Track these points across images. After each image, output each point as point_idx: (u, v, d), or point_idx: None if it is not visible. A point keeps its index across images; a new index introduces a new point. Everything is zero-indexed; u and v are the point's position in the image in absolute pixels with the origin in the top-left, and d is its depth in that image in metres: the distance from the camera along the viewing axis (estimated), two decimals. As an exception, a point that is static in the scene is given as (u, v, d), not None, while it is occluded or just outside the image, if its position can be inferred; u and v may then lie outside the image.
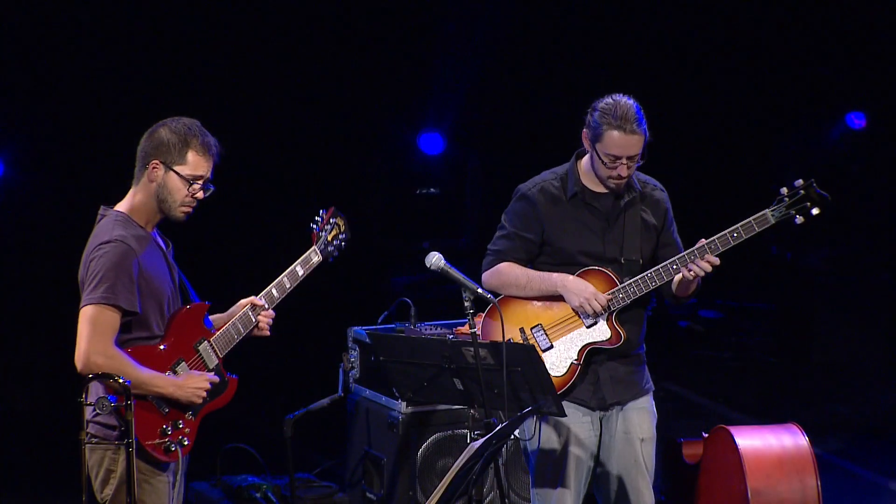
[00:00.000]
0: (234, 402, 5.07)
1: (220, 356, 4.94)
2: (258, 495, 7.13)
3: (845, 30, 12.41)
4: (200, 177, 4.84)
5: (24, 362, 10.42)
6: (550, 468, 5.37)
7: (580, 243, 5.36)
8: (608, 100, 5.28)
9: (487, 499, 6.58)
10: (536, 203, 5.40)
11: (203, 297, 4.98)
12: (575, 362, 5.32)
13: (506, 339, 5.23)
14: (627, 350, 5.37)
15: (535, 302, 5.38)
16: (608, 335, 5.31)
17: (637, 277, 5.27)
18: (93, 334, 4.63)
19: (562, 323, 5.34)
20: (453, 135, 12.08)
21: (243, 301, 5.04)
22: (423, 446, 6.73)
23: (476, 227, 12.13)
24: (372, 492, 6.95)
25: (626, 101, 5.26)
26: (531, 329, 5.36)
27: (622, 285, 5.28)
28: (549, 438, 5.35)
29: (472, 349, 4.88)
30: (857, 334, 11.99)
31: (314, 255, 5.13)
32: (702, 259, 5.20)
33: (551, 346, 5.34)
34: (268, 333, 5.04)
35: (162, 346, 4.81)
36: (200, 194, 4.86)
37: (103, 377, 4.63)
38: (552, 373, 5.30)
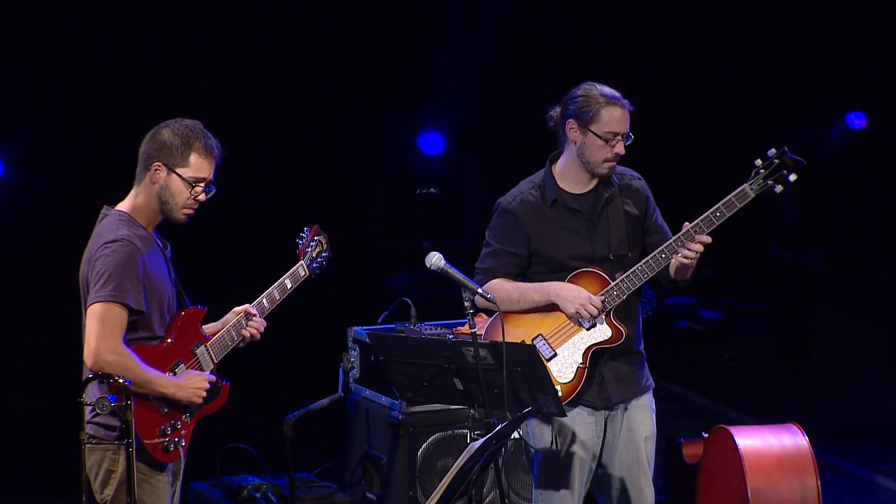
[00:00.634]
0: (234, 401, 5.08)
1: (216, 361, 4.96)
2: (258, 495, 7.13)
3: (845, 30, 12.42)
4: (203, 179, 4.86)
5: (24, 362, 10.43)
6: (554, 469, 5.37)
7: (568, 248, 5.34)
8: (585, 85, 5.30)
9: (487, 499, 6.58)
10: (518, 216, 5.38)
11: (196, 302, 5.00)
12: (581, 366, 5.31)
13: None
14: (628, 346, 5.36)
15: (532, 313, 5.36)
16: (609, 334, 5.31)
17: (628, 272, 5.25)
18: (102, 331, 4.65)
19: (562, 329, 5.33)
20: (453, 135, 12.08)
21: (237, 308, 5.05)
22: (423, 446, 6.73)
23: (476, 227, 12.14)
24: (372, 492, 6.96)
25: (603, 85, 5.29)
26: (532, 340, 5.34)
27: (614, 283, 5.27)
28: (553, 440, 5.35)
29: (472, 349, 4.88)
30: (857, 334, 12.00)
31: (301, 270, 5.19)
32: (691, 242, 5.18)
33: (555, 355, 5.33)
34: (258, 337, 5.06)
35: (163, 347, 4.83)
36: (202, 196, 4.88)
37: (105, 377, 4.64)
38: (560, 380, 5.29)
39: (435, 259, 4.95)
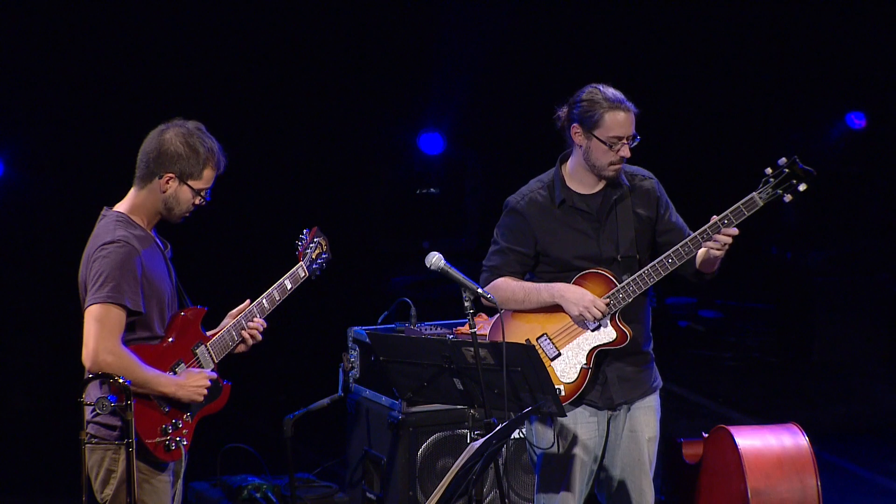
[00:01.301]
0: (234, 401, 5.08)
1: (216, 361, 4.96)
2: (258, 495, 7.13)
3: (845, 30, 12.42)
4: (208, 187, 4.89)
5: (24, 362, 10.43)
6: (556, 469, 5.37)
7: (575, 249, 5.33)
8: (589, 88, 5.28)
9: (487, 499, 6.58)
10: (526, 215, 5.38)
11: (196, 302, 5.00)
12: (585, 366, 5.31)
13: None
14: (634, 348, 5.35)
15: (536, 313, 5.36)
16: (614, 336, 5.30)
17: (635, 275, 5.24)
18: (100, 332, 4.65)
19: (567, 329, 5.33)
20: (453, 135, 12.08)
21: (232, 312, 5.06)
22: (423, 446, 6.73)
23: (476, 227, 12.14)
24: (372, 492, 6.96)
25: (608, 87, 5.27)
26: (537, 339, 5.34)
27: (620, 285, 5.26)
28: (555, 439, 5.35)
29: (472, 349, 4.88)
30: (857, 334, 12.00)
31: (301, 271, 5.19)
32: (707, 242, 5.16)
33: (559, 354, 5.33)
34: (259, 338, 5.05)
35: (163, 347, 4.83)
36: (204, 202, 4.90)
37: (105, 377, 4.65)
38: (563, 379, 5.29)
39: (435, 259, 4.95)
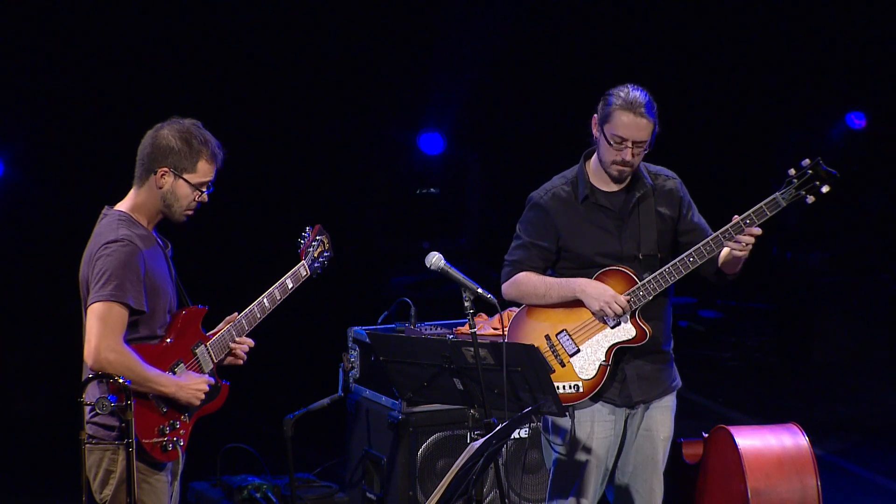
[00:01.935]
0: (234, 401, 5.08)
1: (215, 361, 4.96)
2: (258, 495, 7.13)
3: (845, 30, 12.42)
4: (206, 182, 4.87)
5: (24, 362, 10.43)
6: (570, 464, 5.38)
7: (596, 245, 5.35)
8: (621, 87, 5.29)
9: (487, 499, 6.58)
10: (549, 210, 5.40)
11: (197, 301, 5.00)
12: (604, 363, 5.32)
13: (532, 347, 5.27)
14: (654, 347, 5.36)
15: (557, 308, 5.37)
16: (633, 333, 5.31)
17: (656, 273, 5.25)
18: (103, 330, 4.65)
19: (586, 326, 5.34)
20: (453, 135, 12.08)
21: (228, 318, 5.06)
22: (423, 446, 6.72)
23: (476, 227, 12.14)
24: (372, 492, 6.95)
25: (639, 90, 5.27)
26: (556, 335, 5.36)
27: (641, 283, 5.27)
28: (572, 438, 5.36)
29: (472, 349, 4.88)
30: (857, 334, 12.00)
31: (303, 270, 5.19)
32: (730, 241, 5.17)
33: (578, 351, 5.34)
34: (241, 362, 5.05)
35: (163, 346, 4.83)
36: (205, 198, 4.90)
37: (106, 376, 4.65)
38: (581, 376, 5.31)
39: (435, 259, 4.95)
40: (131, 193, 4.89)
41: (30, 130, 10.29)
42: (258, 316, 5.04)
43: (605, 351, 5.32)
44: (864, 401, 10.66)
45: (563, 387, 5.31)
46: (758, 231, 5.18)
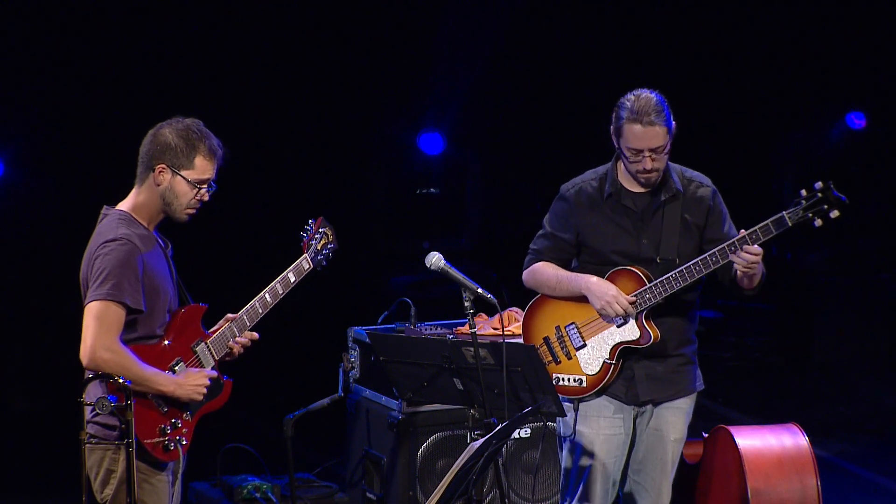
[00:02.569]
0: (234, 401, 5.07)
1: (216, 359, 4.95)
2: (258, 495, 7.13)
3: (845, 30, 12.42)
4: (206, 180, 4.86)
5: (24, 362, 10.43)
6: (579, 469, 5.39)
7: (612, 243, 5.37)
8: (630, 95, 5.28)
9: (487, 499, 6.58)
10: (572, 203, 5.43)
11: (197, 299, 5.00)
12: (608, 361, 5.34)
13: (543, 336, 5.31)
14: (665, 349, 5.37)
15: (569, 300, 5.41)
16: (637, 335, 5.32)
17: (663, 277, 5.26)
18: (99, 329, 4.65)
19: (594, 322, 5.37)
20: (453, 135, 12.08)
21: (228, 316, 5.05)
22: (423, 446, 6.72)
23: (476, 227, 12.13)
24: (372, 492, 6.95)
25: (647, 95, 5.24)
26: (566, 327, 5.40)
27: (649, 285, 5.27)
28: (578, 432, 5.37)
29: (472, 349, 4.88)
30: (857, 334, 11.99)
31: (305, 263, 5.16)
32: (742, 251, 5.16)
33: (584, 345, 5.38)
34: (236, 355, 5.04)
35: (162, 346, 4.83)
36: (206, 197, 4.89)
37: (105, 376, 4.64)
38: (586, 371, 5.34)
39: (435, 259, 4.95)
40: (132, 193, 4.89)
41: (30, 130, 10.29)
42: (260, 311, 5.03)
43: (609, 349, 5.34)
44: (864, 401, 10.66)
45: (568, 379, 5.35)
46: (756, 250, 5.17)
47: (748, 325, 13.31)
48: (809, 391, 10.99)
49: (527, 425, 6.69)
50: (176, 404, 4.81)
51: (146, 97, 10.22)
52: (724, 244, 5.21)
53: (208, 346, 4.93)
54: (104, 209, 4.89)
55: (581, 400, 5.37)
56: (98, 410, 4.60)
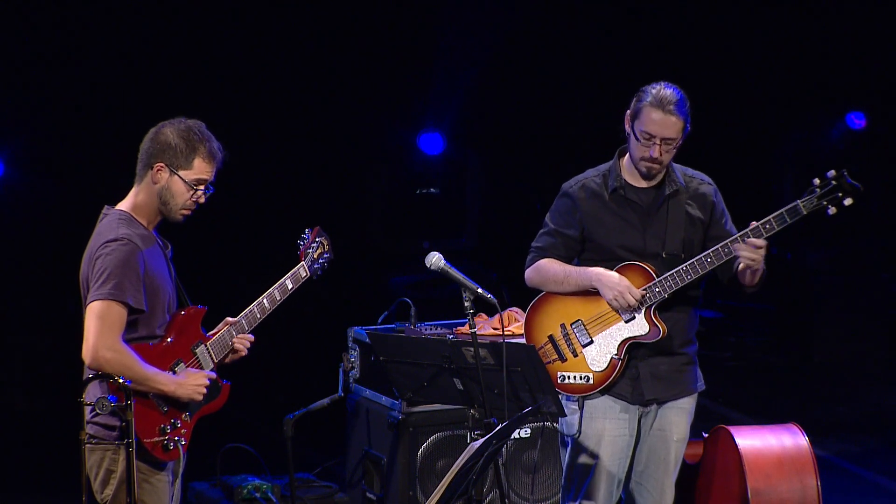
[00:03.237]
0: (234, 401, 5.08)
1: (216, 361, 4.96)
2: (258, 495, 7.13)
3: (845, 30, 12.41)
4: (204, 181, 4.87)
5: (24, 362, 10.43)
6: (584, 463, 5.39)
7: (619, 238, 5.38)
8: (656, 84, 5.34)
9: (487, 499, 6.58)
10: (576, 200, 5.43)
11: (197, 302, 5.00)
12: (615, 357, 5.34)
13: (548, 335, 5.31)
14: (670, 346, 5.39)
15: (575, 297, 5.41)
16: (646, 329, 5.32)
17: (672, 271, 5.27)
18: (101, 329, 4.66)
19: (601, 318, 5.36)
20: (453, 135, 12.07)
21: (227, 320, 5.06)
22: (423, 446, 6.73)
23: (476, 227, 12.13)
24: (372, 492, 6.95)
25: (671, 88, 5.33)
26: (571, 325, 5.40)
27: (658, 279, 5.29)
28: (583, 432, 5.37)
29: (472, 349, 4.88)
30: (857, 334, 11.99)
31: (302, 271, 5.19)
32: (746, 243, 5.18)
33: (591, 342, 5.37)
34: (244, 353, 5.06)
35: (162, 346, 4.83)
36: (203, 199, 4.89)
37: (105, 376, 4.65)
38: (592, 368, 5.34)
39: (435, 259, 4.95)
40: (132, 192, 4.90)
41: (30, 130, 10.28)
42: (258, 316, 5.05)
43: (617, 344, 5.35)
44: (864, 401, 10.66)
45: (575, 377, 5.34)
46: (761, 242, 5.19)
47: (748, 325, 13.31)
48: (809, 391, 10.98)
49: (527, 425, 6.69)
50: (176, 404, 4.81)
51: (147, 97, 10.22)
52: (736, 235, 5.23)
53: (208, 349, 4.94)
54: (105, 209, 4.90)
55: (586, 398, 5.37)
56: (98, 410, 4.60)
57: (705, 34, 12.53)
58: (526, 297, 5.62)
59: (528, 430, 6.71)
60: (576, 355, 5.37)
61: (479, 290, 4.98)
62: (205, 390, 4.84)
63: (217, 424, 5.35)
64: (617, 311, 5.34)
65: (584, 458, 5.39)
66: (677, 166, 5.46)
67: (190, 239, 5.58)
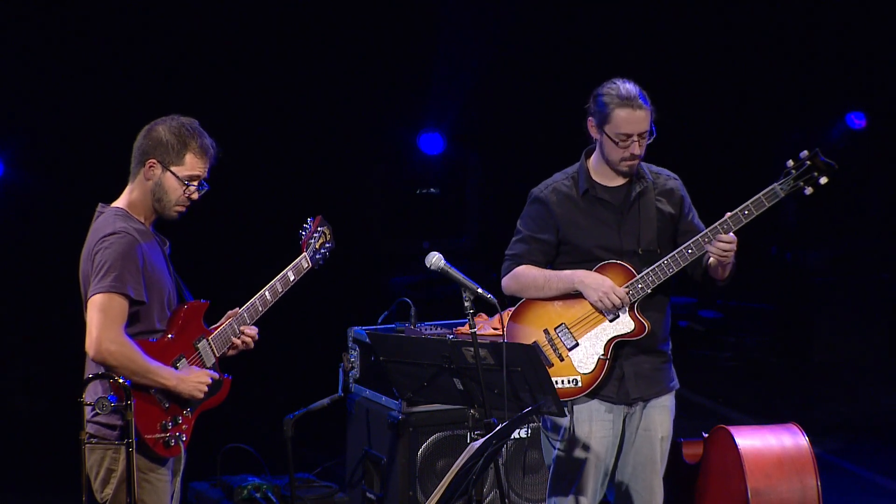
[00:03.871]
0: (234, 402, 5.08)
1: (217, 355, 4.96)
2: (258, 495, 7.13)
3: (845, 30, 12.42)
4: (196, 177, 4.88)
5: (24, 363, 10.43)
6: (570, 463, 5.39)
7: (596, 238, 5.37)
8: (608, 84, 5.33)
9: (487, 499, 6.59)
10: (549, 204, 5.42)
11: (197, 297, 5.00)
12: (602, 357, 5.34)
13: (531, 343, 5.27)
14: (652, 343, 5.38)
15: (556, 302, 5.39)
16: (632, 327, 5.33)
17: (654, 266, 5.28)
18: (104, 321, 4.66)
19: (585, 320, 5.35)
20: (453, 135, 12.08)
21: (230, 312, 5.06)
22: (423, 446, 6.73)
23: (476, 227, 12.13)
24: (372, 492, 6.95)
25: (626, 82, 5.32)
26: (555, 329, 5.37)
27: (640, 276, 5.29)
28: (570, 437, 5.37)
29: (472, 349, 4.88)
30: (857, 334, 11.99)
31: (304, 262, 5.19)
32: (716, 239, 5.21)
33: (577, 345, 5.36)
34: (251, 346, 5.06)
35: (164, 341, 4.84)
36: (195, 195, 4.89)
37: (105, 376, 4.65)
38: (580, 370, 5.33)
39: (435, 259, 4.95)
40: (126, 190, 4.92)
41: (30, 130, 10.29)
42: (260, 309, 5.04)
43: (603, 345, 5.34)
44: (864, 401, 10.66)
45: (562, 381, 5.33)
46: (731, 237, 5.20)
47: (748, 325, 13.31)
48: (809, 391, 10.99)
49: (527, 425, 6.69)
50: (177, 400, 4.82)
51: (146, 97, 10.22)
52: (716, 224, 5.23)
53: (209, 343, 4.94)
54: (99, 207, 4.90)
55: (574, 402, 5.37)
56: (98, 410, 4.60)
57: (705, 34, 12.53)
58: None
59: (528, 430, 6.71)
60: (562, 359, 5.36)
61: (479, 290, 4.98)
62: (206, 388, 4.84)
63: (217, 424, 5.35)
64: (601, 312, 5.33)
65: (571, 461, 5.38)
66: (643, 163, 5.45)
67: (192, 235, 5.58)
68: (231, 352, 5.04)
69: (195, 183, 4.88)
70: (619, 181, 5.40)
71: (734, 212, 5.23)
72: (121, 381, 4.60)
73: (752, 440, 5.91)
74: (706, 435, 6.10)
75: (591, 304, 5.32)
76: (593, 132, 5.36)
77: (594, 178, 5.42)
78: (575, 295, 5.35)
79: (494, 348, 4.90)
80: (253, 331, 5.04)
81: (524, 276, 5.40)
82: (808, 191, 5.23)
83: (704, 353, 12.34)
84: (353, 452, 7.19)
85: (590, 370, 5.34)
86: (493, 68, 11.93)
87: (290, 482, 7.02)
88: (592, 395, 5.36)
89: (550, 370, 5.29)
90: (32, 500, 8.33)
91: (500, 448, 5.15)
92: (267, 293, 5.07)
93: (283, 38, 11.19)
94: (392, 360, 5.13)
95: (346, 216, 11.67)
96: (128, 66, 10.44)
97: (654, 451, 5.44)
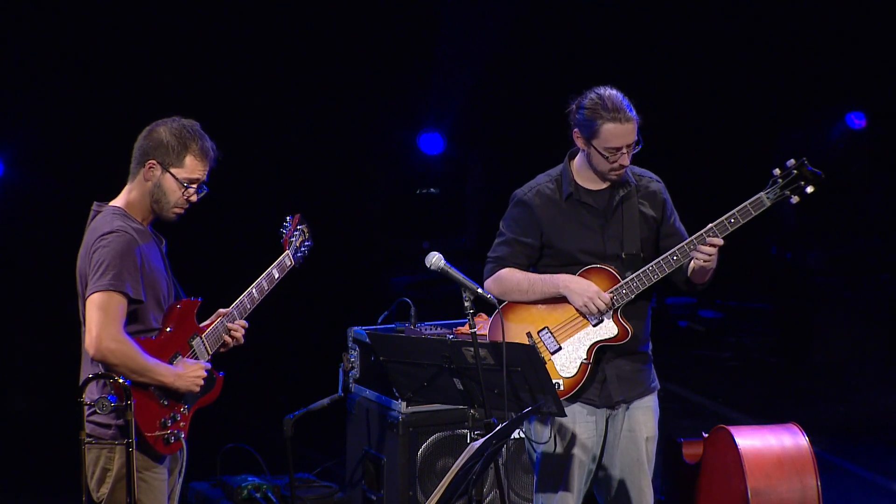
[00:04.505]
0: (234, 402, 5.08)
1: (210, 353, 4.97)
2: (258, 495, 7.13)
3: (845, 30, 12.42)
4: (196, 180, 4.88)
5: (23, 362, 10.43)
6: (554, 468, 5.38)
7: (579, 242, 5.36)
8: (592, 95, 5.28)
9: (487, 499, 6.58)
10: (533, 207, 5.40)
11: (189, 294, 5.01)
12: (585, 361, 5.33)
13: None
14: (634, 346, 5.38)
15: (540, 305, 5.38)
16: (615, 332, 5.32)
17: (639, 271, 5.27)
18: (103, 320, 4.67)
19: (568, 323, 5.34)
20: (453, 135, 12.08)
21: (219, 311, 5.06)
22: (423, 446, 6.73)
23: (476, 227, 12.14)
24: (372, 492, 6.95)
25: (611, 92, 5.27)
26: (538, 332, 5.36)
27: (624, 281, 5.29)
28: (554, 439, 5.36)
29: (472, 349, 4.88)
30: (857, 334, 11.99)
31: (287, 260, 5.22)
32: (702, 245, 5.21)
33: (560, 348, 5.34)
34: (242, 341, 5.07)
35: (162, 339, 4.84)
36: (194, 197, 4.90)
37: (105, 376, 4.65)
38: (563, 374, 5.31)
39: (435, 259, 4.96)
40: (125, 189, 4.93)
41: (30, 130, 10.29)
42: (248, 306, 5.06)
43: (586, 349, 5.33)
44: (864, 401, 10.66)
45: None
46: (718, 242, 5.20)
47: (748, 325, 13.32)
48: (809, 391, 10.98)
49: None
50: (175, 396, 4.83)
51: (147, 98, 10.22)
52: (701, 232, 5.22)
53: (203, 341, 4.96)
54: (95, 206, 4.91)
55: None
56: (98, 410, 4.61)
57: (705, 34, 12.53)
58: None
59: (528, 431, 6.71)
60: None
61: (479, 290, 4.98)
62: (202, 381, 4.86)
63: (217, 424, 5.35)
64: (585, 317, 5.33)
65: (555, 465, 5.37)
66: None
67: (188, 237, 5.58)
68: (222, 349, 5.05)
69: (194, 185, 4.88)
70: (602, 185, 5.38)
71: (720, 220, 5.23)
72: (120, 381, 4.61)
73: (752, 440, 5.92)
74: (706, 435, 6.10)
75: (576, 309, 5.31)
76: (580, 143, 5.32)
77: (578, 181, 5.40)
78: (559, 299, 5.33)
79: (494, 348, 4.90)
80: (241, 324, 5.04)
81: (508, 279, 5.39)
82: (795, 200, 5.24)
83: (704, 353, 12.34)
84: (353, 452, 7.19)
85: (572, 374, 5.33)
86: (493, 68, 11.93)
87: (290, 482, 7.02)
88: (574, 399, 5.35)
89: None
90: (32, 500, 8.32)
91: (500, 448, 5.14)
92: (254, 291, 5.08)
93: (284, 38, 11.19)
94: (392, 360, 5.13)
95: (346, 216, 11.71)
96: (128, 66, 10.44)
97: (640, 451, 5.43)
